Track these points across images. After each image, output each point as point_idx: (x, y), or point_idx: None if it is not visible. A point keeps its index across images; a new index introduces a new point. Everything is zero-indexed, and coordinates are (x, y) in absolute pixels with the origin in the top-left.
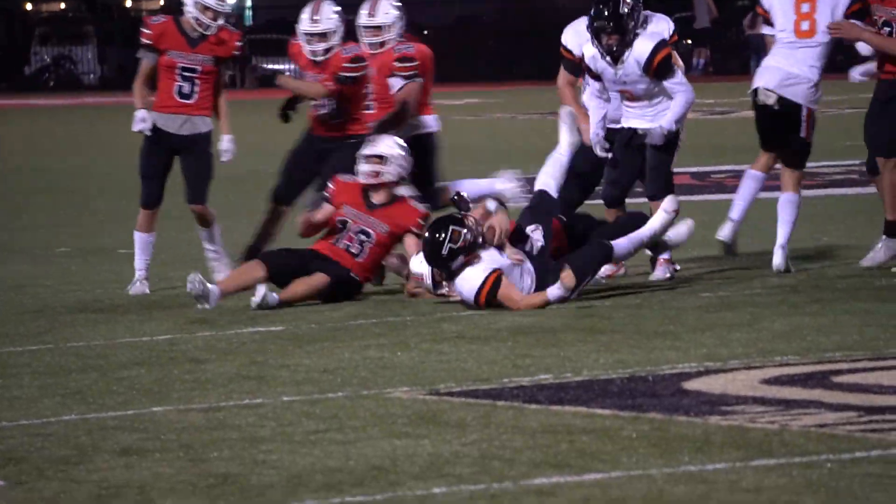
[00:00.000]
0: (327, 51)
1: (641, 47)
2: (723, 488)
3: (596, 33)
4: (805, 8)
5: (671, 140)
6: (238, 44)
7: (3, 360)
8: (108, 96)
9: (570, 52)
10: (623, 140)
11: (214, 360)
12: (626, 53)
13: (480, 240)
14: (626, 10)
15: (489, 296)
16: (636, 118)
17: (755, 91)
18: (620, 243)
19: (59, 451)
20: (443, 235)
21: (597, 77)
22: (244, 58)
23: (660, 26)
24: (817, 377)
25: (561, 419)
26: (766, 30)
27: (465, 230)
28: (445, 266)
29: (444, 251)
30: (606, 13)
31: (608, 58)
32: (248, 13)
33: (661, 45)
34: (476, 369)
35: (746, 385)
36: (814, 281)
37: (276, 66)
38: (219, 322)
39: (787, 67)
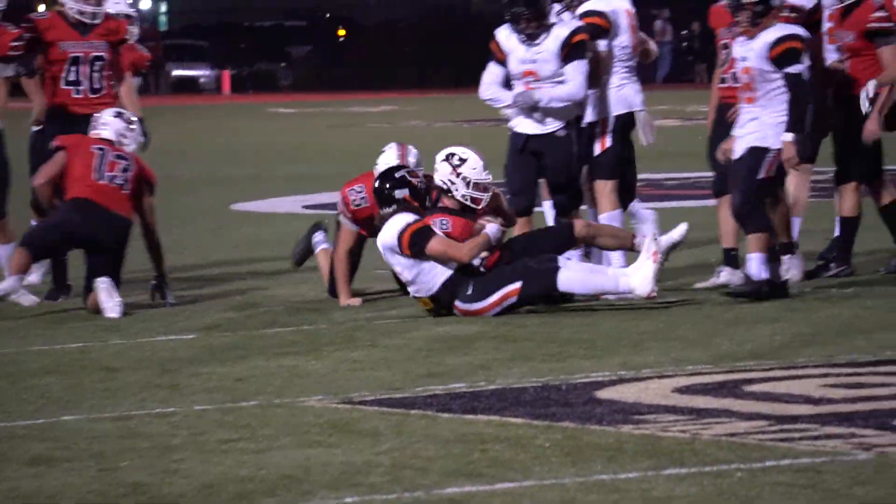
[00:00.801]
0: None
1: (561, 29)
2: (635, 497)
3: (514, 18)
4: None
5: (568, 151)
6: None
7: None
8: None
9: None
10: (517, 146)
11: (126, 368)
12: (543, 36)
13: (427, 203)
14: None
15: (413, 242)
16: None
17: None
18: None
19: None
20: (401, 169)
21: (502, 61)
22: (157, 63)
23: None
24: (729, 386)
25: (474, 428)
26: None
27: (420, 180)
28: (389, 192)
29: (398, 175)
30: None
31: (523, 36)
32: (163, 18)
33: (581, 29)
34: (390, 378)
35: (659, 394)
36: (728, 290)
37: (193, 72)
38: (130, 330)
39: None
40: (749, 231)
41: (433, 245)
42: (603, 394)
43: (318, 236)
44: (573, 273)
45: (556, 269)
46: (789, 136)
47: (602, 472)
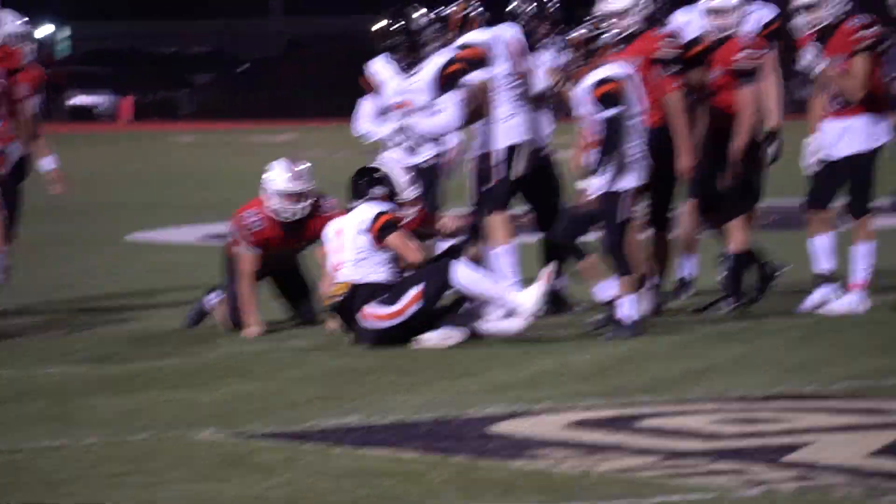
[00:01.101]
0: None
1: (436, 59)
2: None
3: (391, 49)
4: None
5: (432, 181)
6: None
7: None
8: None
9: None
10: None
11: (13, 400)
12: (419, 66)
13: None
14: (418, 27)
15: (384, 227)
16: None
17: None
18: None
19: None
20: (380, 171)
21: (375, 94)
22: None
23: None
24: (621, 421)
25: (366, 462)
26: None
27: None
28: (364, 186)
29: (378, 175)
30: (401, 25)
31: (399, 66)
32: (64, 46)
33: (455, 59)
34: (283, 411)
35: (552, 428)
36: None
37: (91, 99)
38: (20, 362)
39: None
40: (619, 274)
41: (396, 237)
42: (496, 428)
43: (210, 297)
44: (468, 272)
45: (452, 265)
46: (592, 182)
47: None
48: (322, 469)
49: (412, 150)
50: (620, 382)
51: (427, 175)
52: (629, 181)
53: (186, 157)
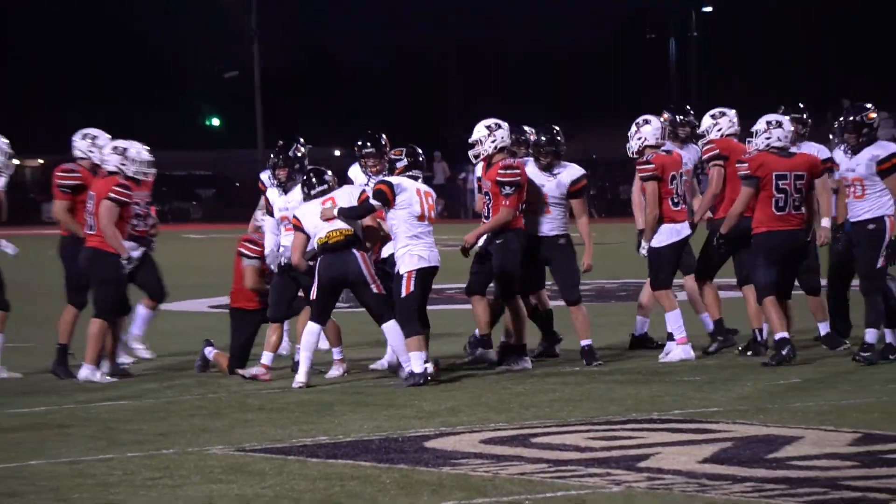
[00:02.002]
0: None
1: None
2: None
3: (272, 167)
4: None
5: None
6: None
7: None
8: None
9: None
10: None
11: (77, 425)
12: (291, 186)
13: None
14: (297, 154)
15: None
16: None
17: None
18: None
19: None
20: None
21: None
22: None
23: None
24: (520, 438)
25: (335, 469)
26: None
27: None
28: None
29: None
30: (281, 155)
31: (279, 185)
32: None
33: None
34: (272, 432)
35: (469, 444)
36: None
37: None
38: (80, 397)
39: None
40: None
41: (372, 225)
42: (429, 444)
43: (207, 349)
44: (396, 330)
45: (392, 316)
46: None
47: (428, 502)
48: (301, 474)
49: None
50: (517, 411)
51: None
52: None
53: (196, 251)
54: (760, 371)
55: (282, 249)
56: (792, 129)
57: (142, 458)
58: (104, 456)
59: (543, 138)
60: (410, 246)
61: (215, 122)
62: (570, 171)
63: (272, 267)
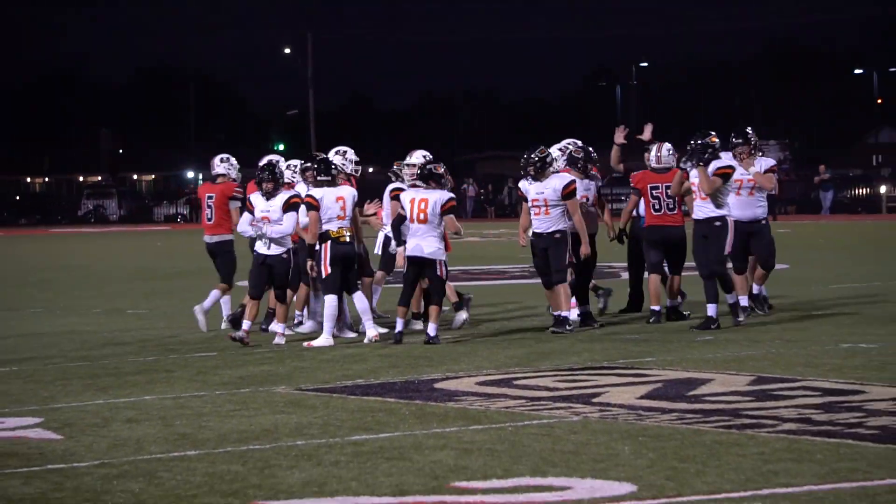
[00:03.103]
0: None
1: (284, 195)
2: (454, 440)
3: (260, 181)
4: None
5: (287, 266)
6: None
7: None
8: (124, 226)
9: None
10: (258, 261)
11: (178, 370)
12: (276, 194)
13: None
14: (279, 170)
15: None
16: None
17: None
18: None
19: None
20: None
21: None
22: None
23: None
24: (505, 381)
25: (368, 404)
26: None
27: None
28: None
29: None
30: (266, 171)
31: (264, 194)
32: None
33: (293, 195)
34: (322, 376)
35: (468, 385)
36: (498, 327)
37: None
38: (181, 349)
39: None
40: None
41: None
42: (437, 385)
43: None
44: (362, 297)
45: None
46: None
47: (436, 428)
48: (343, 407)
49: (268, 246)
50: (503, 360)
51: (282, 261)
52: None
53: None
54: (683, 332)
55: (266, 242)
56: (669, 152)
57: (226, 395)
58: (198, 393)
59: (534, 156)
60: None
61: (281, 147)
62: (561, 179)
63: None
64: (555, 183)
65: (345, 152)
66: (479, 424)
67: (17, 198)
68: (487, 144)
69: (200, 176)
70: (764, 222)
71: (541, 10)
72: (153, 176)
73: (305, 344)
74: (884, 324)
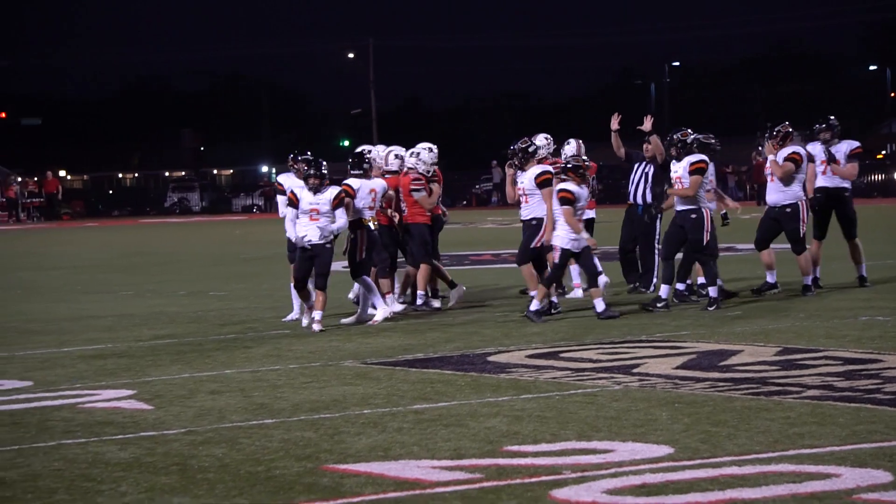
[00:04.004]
0: None
1: (331, 189)
2: (506, 407)
3: (305, 177)
4: None
5: (329, 253)
6: None
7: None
8: (205, 217)
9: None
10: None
11: (255, 346)
12: (323, 189)
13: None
14: (323, 163)
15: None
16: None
17: None
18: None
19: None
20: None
21: (296, 204)
22: None
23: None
24: (552, 354)
25: (426, 376)
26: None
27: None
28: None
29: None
30: (314, 167)
31: (311, 190)
32: None
33: (343, 191)
34: (385, 350)
35: (518, 358)
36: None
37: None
38: (256, 325)
39: None
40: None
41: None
42: (491, 358)
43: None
44: (369, 281)
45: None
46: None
47: (490, 397)
48: (404, 379)
49: (317, 238)
50: (551, 335)
51: (326, 250)
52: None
53: None
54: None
55: (304, 236)
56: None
57: (299, 368)
58: (273, 367)
59: (517, 147)
60: None
61: (346, 143)
62: (535, 169)
63: (300, 244)
64: (531, 173)
65: (418, 153)
66: (528, 393)
67: (111, 192)
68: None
69: (274, 170)
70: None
71: (573, 16)
72: (231, 170)
73: (370, 322)
74: None
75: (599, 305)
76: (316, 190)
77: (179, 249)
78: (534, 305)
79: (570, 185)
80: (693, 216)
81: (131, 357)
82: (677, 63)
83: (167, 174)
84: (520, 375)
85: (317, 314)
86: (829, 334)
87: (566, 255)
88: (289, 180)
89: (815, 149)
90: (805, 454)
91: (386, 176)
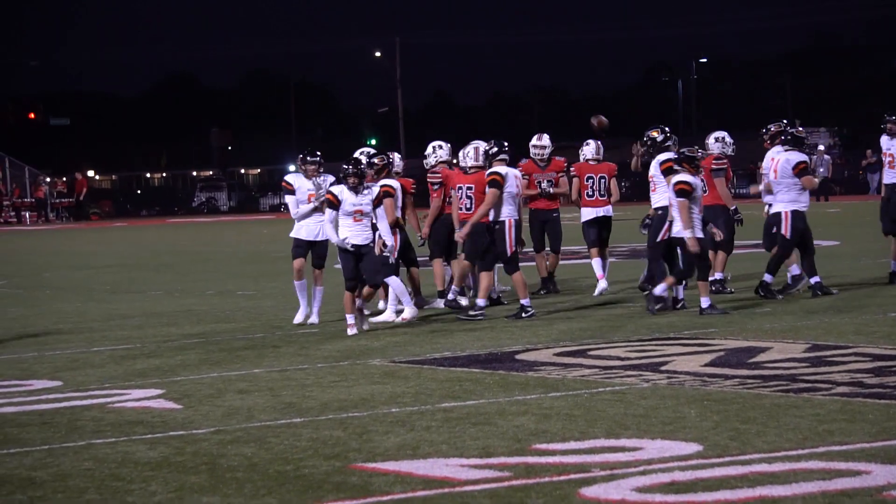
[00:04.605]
0: None
1: (374, 189)
2: (534, 406)
3: (344, 177)
4: None
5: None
6: None
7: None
8: (233, 216)
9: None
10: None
11: (284, 346)
12: (366, 189)
13: None
14: (365, 162)
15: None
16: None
17: None
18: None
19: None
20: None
21: (336, 206)
22: None
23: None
24: (580, 352)
25: (454, 374)
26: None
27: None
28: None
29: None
30: (358, 166)
31: (351, 188)
32: None
33: (384, 191)
34: (413, 349)
35: (546, 356)
36: (577, 301)
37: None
38: (285, 326)
39: None
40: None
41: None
42: (518, 356)
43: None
44: (399, 281)
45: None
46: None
47: (518, 395)
48: (432, 377)
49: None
50: (578, 333)
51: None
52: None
53: None
54: (741, 303)
55: (347, 238)
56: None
57: (327, 368)
58: (301, 366)
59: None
60: None
61: (373, 141)
62: (661, 156)
63: (343, 245)
64: (656, 160)
65: (440, 147)
66: (557, 392)
67: (139, 191)
68: (563, 136)
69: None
70: None
71: (601, 13)
72: (259, 170)
73: (399, 319)
74: None
75: (705, 302)
76: (357, 190)
77: (208, 249)
78: (658, 290)
79: (686, 177)
80: (660, 212)
81: (160, 356)
82: (704, 59)
83: (195, 174)
84: (548, 373)
85: (361, 304)
86: (858, 331)
87: (700, 243)
88: (297, 180)
89: (891, 143)
90: (835, 451)
91: (470, 171)
